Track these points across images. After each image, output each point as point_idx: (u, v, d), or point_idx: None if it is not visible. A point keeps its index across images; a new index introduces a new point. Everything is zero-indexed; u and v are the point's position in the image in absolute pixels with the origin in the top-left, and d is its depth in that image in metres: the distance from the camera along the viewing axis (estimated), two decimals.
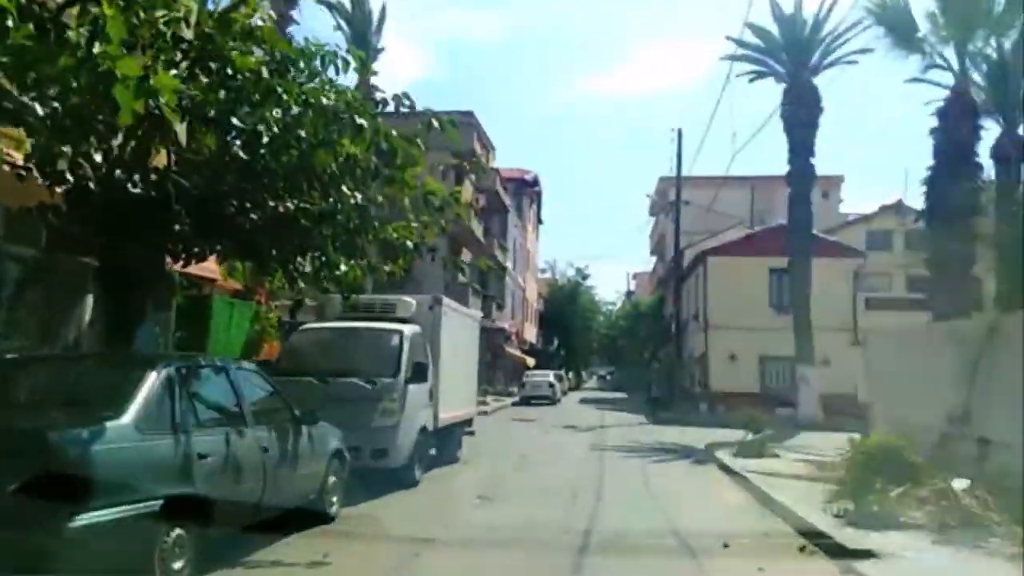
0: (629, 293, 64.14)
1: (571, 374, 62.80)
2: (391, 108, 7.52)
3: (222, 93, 6.05)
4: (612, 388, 71.30)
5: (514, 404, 33.59)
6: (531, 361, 45.41)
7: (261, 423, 6.06)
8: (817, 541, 6.60)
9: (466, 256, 30.04)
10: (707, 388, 29.04)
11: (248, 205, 6.89)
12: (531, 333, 54.47)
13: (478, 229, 31.35)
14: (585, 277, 65.01)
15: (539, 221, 59.32)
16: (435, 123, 7.42)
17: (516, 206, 48.65)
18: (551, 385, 34.54)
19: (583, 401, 40.26)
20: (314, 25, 76.48)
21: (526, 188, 50.47)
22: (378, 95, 7.71)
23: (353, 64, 6.96)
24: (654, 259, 58.06)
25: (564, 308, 62.02)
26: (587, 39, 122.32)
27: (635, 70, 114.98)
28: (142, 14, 4.76)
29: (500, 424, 22.20)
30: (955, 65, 19.26)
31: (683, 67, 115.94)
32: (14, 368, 6.04)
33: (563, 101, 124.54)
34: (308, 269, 7.74)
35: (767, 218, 38.89)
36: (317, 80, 6.79)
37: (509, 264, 41.89)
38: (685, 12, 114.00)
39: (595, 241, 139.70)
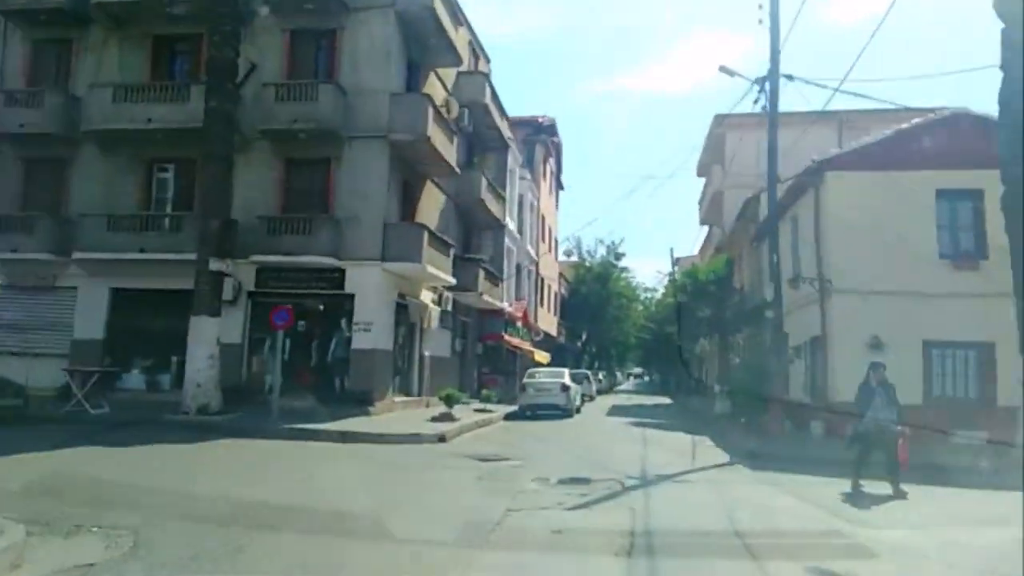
0: (672, 276, 52.27)
1: (602, 374, 51.20)
2: None
3: None
4: (651, 390, 59.46)
5: (508, 418, 22.28)
6: (544, 356, 33.89)
7: None
8: None
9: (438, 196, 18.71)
10: (824, 396, 17.27)
11: None
12: (549, 323, 42.97)
13: (447, 148, 20.01)
14: (619, 256, 53.43)
15: (559, 185, 47.75)
16: None
17: (528, 159, 37.30)
18: (564, 389, 23.06)
19: (614, 411, 28.62)
20: None
21: (540, 135, 39.02)
22: None
23: None
24: (704, 230, 46.19)
25: (592, 294, 50.45)
26: (615, 37, 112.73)
27: (666, 68, 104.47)
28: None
29: (413, 476, 10.86)
30: None
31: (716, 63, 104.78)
32: None
33: (588, 97, 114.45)
34: None
35: None
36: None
37: (510, 222, 30.43)
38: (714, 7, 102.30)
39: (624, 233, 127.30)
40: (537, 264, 38.45)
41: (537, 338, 36.50)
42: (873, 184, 16.32)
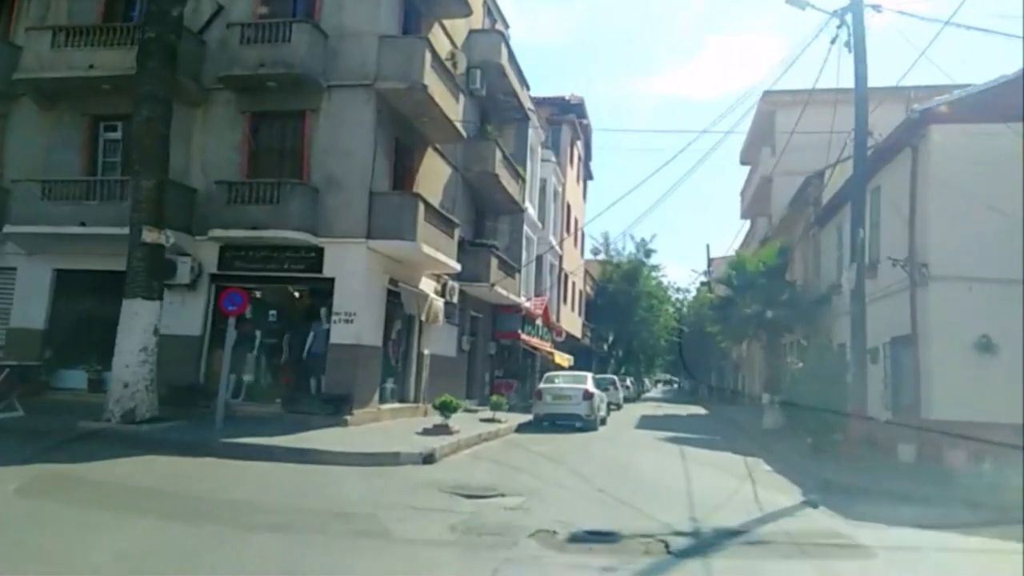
0: (707, 276, 48.56)
1: (629, 381, 47.64)
2: None
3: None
4: (682, 399, 55.68)
5: (520, 429, 18.96)
6: (567, 359, 30.49)
7: None
8: None
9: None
10: (913, 411, 13.67)
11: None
12: (572, 323, 39.55)
13: (449, 104, 16.79)
14: (649, 254, 49.85)
15: (588, 173, 44.33)
16: None
17: (553, 141, 34.06)
18: (587, 397, 19.65)
19: (644, 423, 25.13)
20: None
21: (567, 115, 35.70)
22: None
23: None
24: (744, 226, 42.44)
25: (620, 294, 46.90)
26: (637, 41, 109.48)
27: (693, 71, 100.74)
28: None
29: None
30: None
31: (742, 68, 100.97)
32: None
33: (611, 100, 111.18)
34: None
35: None
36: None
37: (529, 206, 27.11)
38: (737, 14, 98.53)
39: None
40: (561, 258, 35.08)
41: (559, 339, 33.11)
42: (991, 142, 12.68)
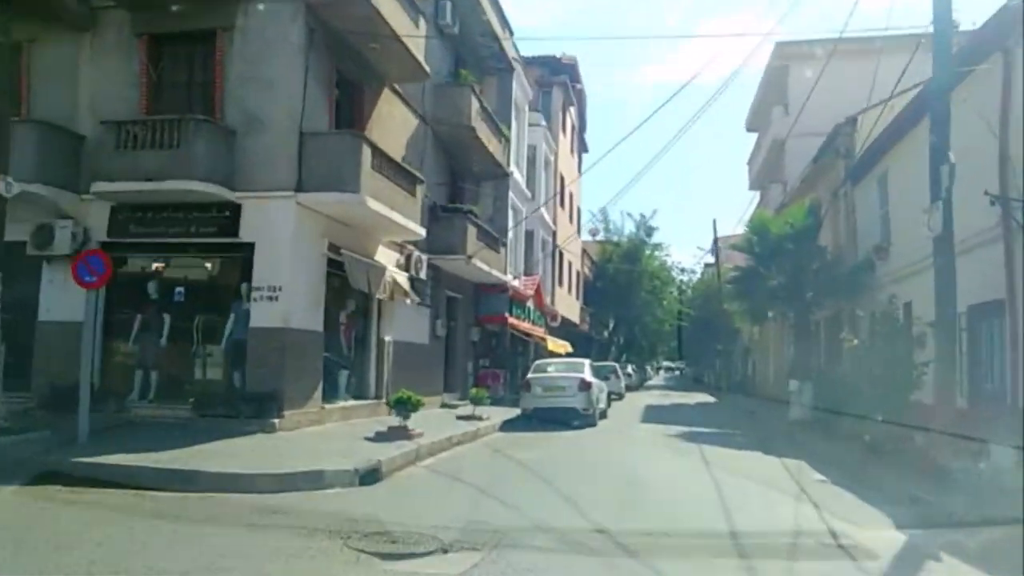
0: (715, 253, 45.22)
1: (631, 368, 44.50)
2: None
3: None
4: (687, 386, 52.46)
5: (505, 427, 15.80)
6: (562, 345, 27.24)
7: None
8: None
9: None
10: (1003, 400, 10.44)
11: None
12: (569, 307, 36.34)
13: (401, 21, 13.47)
14: (651, 232, 46.52)
15: (583, 145, 41.00)
16: None
17: (544, 105, 30.85)
18: (583, 387, 16.48)
19: (651, 415, 21.96)
20: None
21: (559, 77, 32.36)
22: None
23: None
24: (753, 198, 39.06)
25: (621, 275, 43.64)
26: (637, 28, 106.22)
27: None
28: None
29: None
30: None
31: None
32: None
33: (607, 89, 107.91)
34: None
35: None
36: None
37: (515, 171, 23.82)
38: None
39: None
40: (555, 234, 31.80)
41: (554, 323, 29.92)
42: None
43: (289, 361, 11.44)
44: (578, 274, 39.57)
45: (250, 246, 11.54)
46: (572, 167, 37.48)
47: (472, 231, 18.22)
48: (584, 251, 41.99)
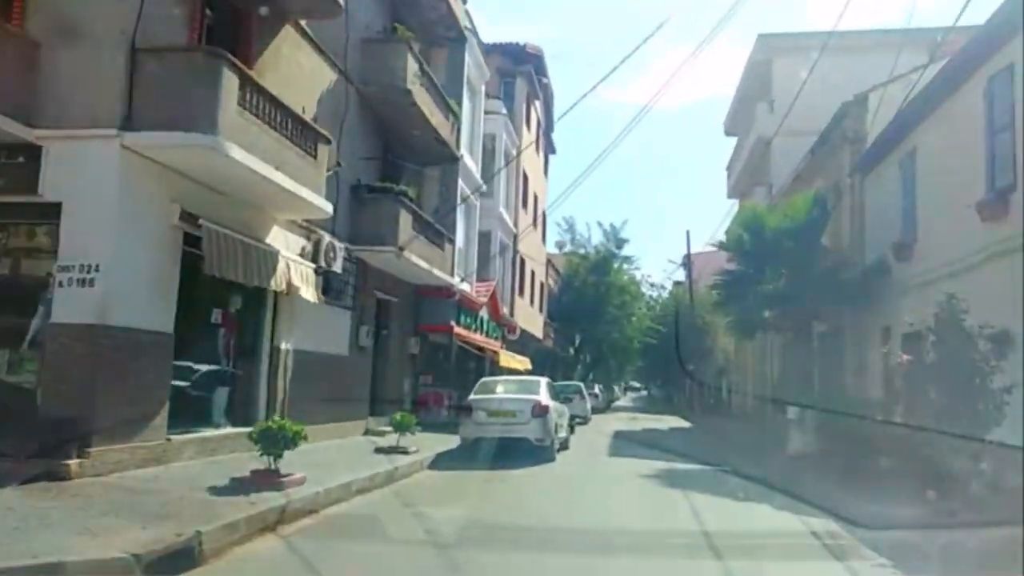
0: (687, 267, 42.30)
1: (599, 388, 41.28)
2: None
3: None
4: (656, 408, 49.19)
5: (438, 464, 12.39)
6: (520, 362, 23.82)
7: None
8: None
9: None
10: None
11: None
12: (532, 321, 33.03)
13: None
14: (621, 244, 43.55)
15: (550, 146, 37.94)
16: None
17: (506, 94, 27.86)
18: (539, 413, 13.13)
19: (620, 444, 18.67)
20: None
21: (523, 67, 29.28)
22: None
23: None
24: (732, 207, 36.14)
25: (588, 289, 40.54)
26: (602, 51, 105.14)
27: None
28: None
29: None
30: None
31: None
32: None
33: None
34: None
35: None
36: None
37: (466, 155, 20.54)
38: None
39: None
40: (516, 238, 28.55)
41: (512, 336, 26.56)
42: None
43: (106, 372, 7.91)
44: (542, 285, 36.33)
45: (55, 208, 8.02)
46: (538, 167, 34.34)
47: (406, 218, 14.83)
48: (549, 261, 38.79)
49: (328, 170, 11.86)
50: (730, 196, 35.64)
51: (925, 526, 6.67)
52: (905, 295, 13.40)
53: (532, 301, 33.48)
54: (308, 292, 11.81)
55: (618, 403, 56.82)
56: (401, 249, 14.39)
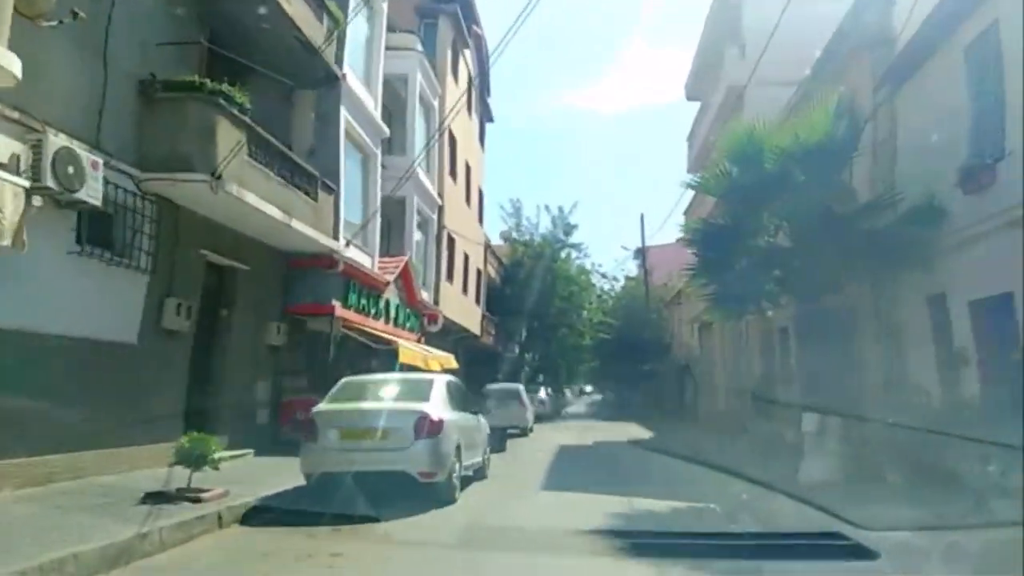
0: (642, 256, 37.90)
1: (546, 392, 36.46)
2: None
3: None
4: (611, 413, 44.50)
5: (257, 516, 7.39)
6: (443, 359, 18.68)
7: None
8: None
9: None
10: None
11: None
12: (466, 314, 28.03)
13: None
14: (569, 231, 39.04)
15: (487, 113, 33.07)
16: None
17: (428, 39, 22.98)
18: (427, 432, 8.19)
19: (559, 475, 13.79)
20: None
21: (448, 6, 24.39)
22: None
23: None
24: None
25: (534, 280, 35.79)
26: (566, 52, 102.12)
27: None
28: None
29: None
30: None
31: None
32: None
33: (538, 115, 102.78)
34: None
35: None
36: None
37: (357, 85, 15.47)
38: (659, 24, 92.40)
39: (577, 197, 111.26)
40: (441, 210, 23.56)
41: (432, 327, 21.49)
42: None
43: None
44: (479, 272, 31.38)
45: None
46: (471, 134, 29.39)
47: (229, 132, 9.66)
48: (488, 246, 33.88)
49: (48, 18, 6.80)
50: (691, 170, 31.27)
51: None
52: (976, 243, 8.95)
53: (466, 290, 28.51)
54: (8, 236, 6.65)
55: (570, 409, 51.99)
56: (217, 178, 9.24)
